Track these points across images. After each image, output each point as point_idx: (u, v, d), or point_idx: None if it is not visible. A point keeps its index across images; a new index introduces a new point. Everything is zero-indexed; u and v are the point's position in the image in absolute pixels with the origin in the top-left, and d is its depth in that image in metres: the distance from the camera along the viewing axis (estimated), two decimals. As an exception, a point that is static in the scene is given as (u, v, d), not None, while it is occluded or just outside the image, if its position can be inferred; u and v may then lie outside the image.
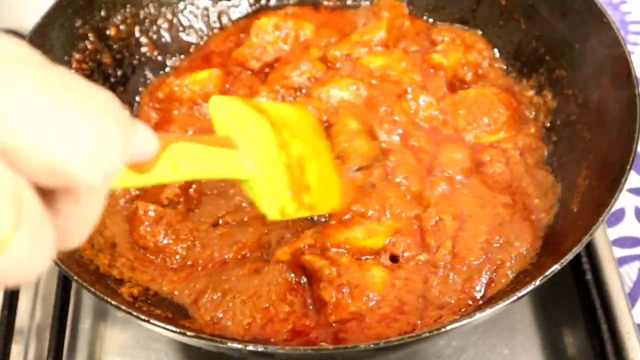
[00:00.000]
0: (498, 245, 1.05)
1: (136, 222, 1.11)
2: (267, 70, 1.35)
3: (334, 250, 1.03)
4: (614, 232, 1.29)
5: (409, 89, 1.22)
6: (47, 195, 0.45)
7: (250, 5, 1.47)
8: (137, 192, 1.17)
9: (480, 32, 1.35)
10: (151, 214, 1.11)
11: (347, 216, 1.06)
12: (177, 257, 1.10)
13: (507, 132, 1.20)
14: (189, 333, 0.85)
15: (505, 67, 1.31)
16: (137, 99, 1.34)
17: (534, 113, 1.24)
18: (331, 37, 1.37)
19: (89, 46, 1.27)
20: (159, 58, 1.39)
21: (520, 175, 1.14)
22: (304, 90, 1.28)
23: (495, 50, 1.33)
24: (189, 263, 1.09)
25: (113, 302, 0.88)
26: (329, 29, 1.40)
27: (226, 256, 1.09)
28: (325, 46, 1.35)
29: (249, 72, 1.35)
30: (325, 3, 1.46)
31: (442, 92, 1.25)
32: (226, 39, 1.43)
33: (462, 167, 1.14)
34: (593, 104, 1.11)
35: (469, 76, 1.28)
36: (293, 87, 1.28)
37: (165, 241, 1.11)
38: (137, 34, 1.36)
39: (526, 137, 1.20)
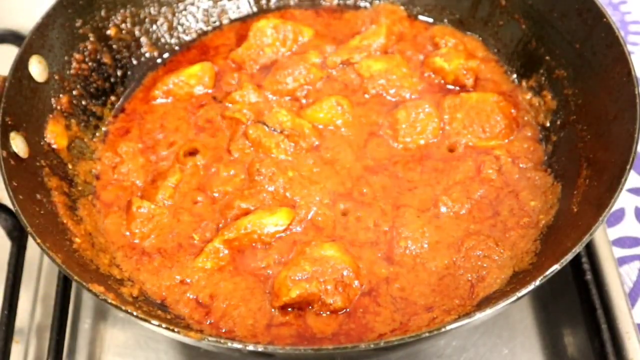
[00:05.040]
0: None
1: (129, 217, 1.13)
2: (257, 67, 1.35)
3: None
4: (614, 232, 1.29)
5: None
6: None
7: (251, 6, 1.47)
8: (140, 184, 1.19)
9: (480, 38, 1.35)
10: (143, 210, 1.13)
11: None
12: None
13: (502, 140, 1.20)
14: (189, 333, 0.85)
15: (505, 67, 1.31)
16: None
17: (532, 115, 1.24)
18: (330, 42, 1.37)
19: (89, 46, 1.27)
20: (159, 58, 1.39)
21: (513, 182, 1.14)
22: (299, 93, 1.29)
23: (495, 50, 1.33)
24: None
25: (113, 302, 0.88)
26: (329, 33, 1.40)
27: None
28: (324, 51, 1.34)
29: (243, 70, 1.35)
30: (324, 3, 1.46)
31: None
32: (224, 37, 1.43)
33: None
34: (593, 104, 1.11)
35: (470, 81, 1.28)
36: (287, 93, 1.29)
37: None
38: (137, 34, 1.36)
39: (522, 142, 1.20)
